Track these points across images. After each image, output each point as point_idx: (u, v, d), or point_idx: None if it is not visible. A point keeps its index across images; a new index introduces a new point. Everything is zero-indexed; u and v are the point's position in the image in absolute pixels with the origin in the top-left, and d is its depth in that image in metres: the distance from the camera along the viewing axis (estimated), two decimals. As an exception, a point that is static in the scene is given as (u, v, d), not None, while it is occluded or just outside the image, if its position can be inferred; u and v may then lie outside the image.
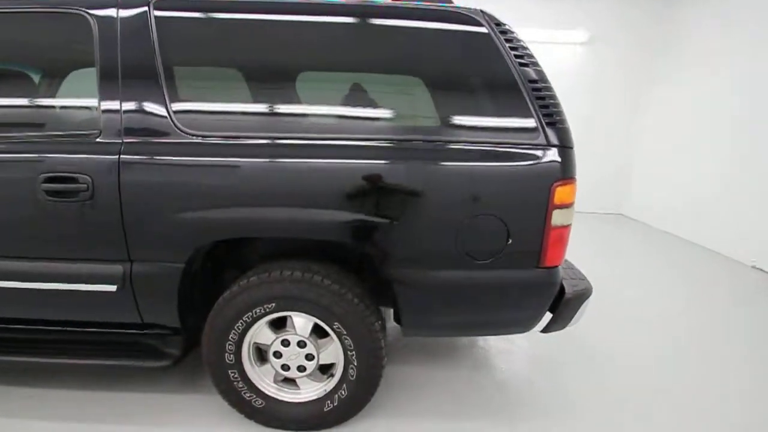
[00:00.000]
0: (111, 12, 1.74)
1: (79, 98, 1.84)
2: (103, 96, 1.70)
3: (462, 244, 1.70)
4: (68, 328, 2.00)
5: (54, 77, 1.96)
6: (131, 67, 1.70)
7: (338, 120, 1.79)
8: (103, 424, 2.00)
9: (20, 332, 2.01)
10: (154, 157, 1.68)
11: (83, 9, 1.74)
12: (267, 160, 1.68)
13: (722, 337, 3.10)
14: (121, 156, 1.67)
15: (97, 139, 1.70)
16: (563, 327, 1.94)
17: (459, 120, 1.72)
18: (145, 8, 1.75)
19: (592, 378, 2.50)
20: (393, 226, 1.68)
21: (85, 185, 1.66)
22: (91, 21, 1.73)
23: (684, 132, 6.01)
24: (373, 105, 1.80)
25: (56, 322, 2.00)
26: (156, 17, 1.73)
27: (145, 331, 1.98)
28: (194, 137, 1.69)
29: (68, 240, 1.74)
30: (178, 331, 1.96)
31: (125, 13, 1.74)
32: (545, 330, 1.95)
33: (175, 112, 1.69)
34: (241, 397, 1.93)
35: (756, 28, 4.94)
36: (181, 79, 1.73)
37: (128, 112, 1.69)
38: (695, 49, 5.87)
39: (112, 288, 1.77)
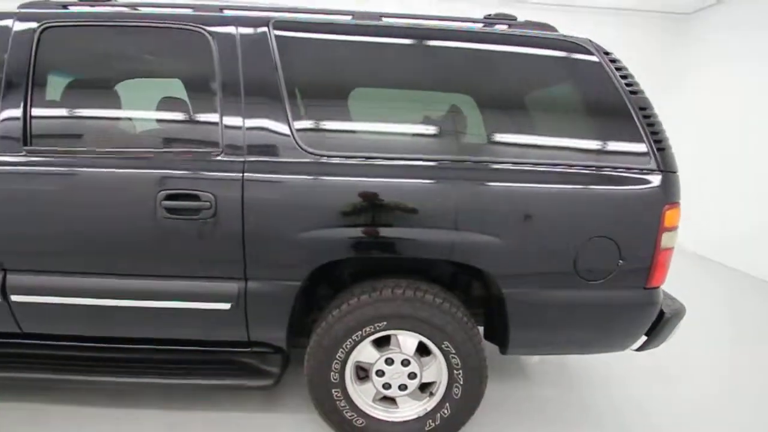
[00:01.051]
0: (230, 30, 1.76)
1: (199, 116, 1.84)
2: (225, 114, 1.71)
3: (575, 264, 1.75)
4: (157, 347, 1.98)
5: (171, 91, 1.95)
6: (254, 85, 1.72)
7: (461, 141, 1.83)
8: None
9: (112, 352, 1.98)
10: (277, 176, 1.69)
11: (202, 27, 1.75)
12: (388, 180, 1.70)
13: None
14: (245, 174, 1.67)
15: (218, 157, 1.70)
16: (657, 345, 1.99)
17: (576, 144, 1.78)
18: (265, 28, 1.77)
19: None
20: (514, 246, 1.72)
21: (208, 203, 1.66)
22: (210, 39, 1.74)
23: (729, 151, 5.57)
24: (492, 128, 1.84)
25: (146, 340, 1.97)
26: (276, 36, 1.76)
27: (239, 350, 1.96)
28: (316, 156, 1.70)
29: (186, 258, 1.72)
30: (277, 350, 1.95)
31: (245, 31, 1.76)
32: (641, 348, 2.00)
33: (297, 131, 1.71)
34: (343, 417, 1.91)
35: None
36: (302, 98, 1.74)
37: (251, 130, 1.70)
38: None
39: (226, 306, 1.75)
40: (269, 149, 1.70)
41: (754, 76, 5.26)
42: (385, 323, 1.80)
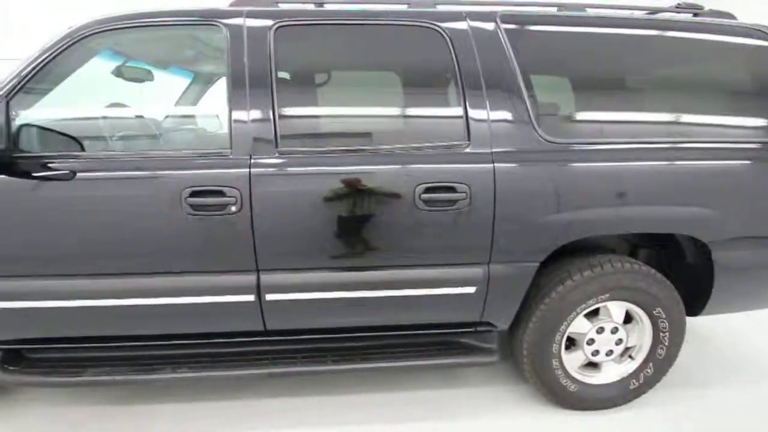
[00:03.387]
0: (463, 25, 1.82)
1: (443, 110, 1.89)
2: (471, 107, 1.77)
3: None
4: (377, 333, 2.06)
5: (411, 87, 1.98)
6: (492, 78, 1.79)
7: (681, 124, 1.97)
8: (429, 421, 2.10)
9: (332, 342, 2.04)
10: (523, 164, 1.78)
11: (436, 23, 1.80)
12: (625, 163, 1.83)
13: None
14: (495, 164, 1.76)
15: (467, 149, 1.77)
16: None
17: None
18: (494, 22, 1.83)
19: None
20: (733, 216, 1.89)
21: (464, 194, 1.74)
22: (445, 35, 1.80)
23: None
24: (700, 110, 2.00)
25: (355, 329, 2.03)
26: (506, 30, 1.83)
27: (458, 330, 2.07)
28: (555, 144, 1.81)
29: (438, 246, 1.80)
30: (492, 328, 2.06)
31: (476, 25, 1.82)
32: None
33: (536, 121, 1.80)
34: (560, 384, 2.07)
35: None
36: (538, 89, 1.83)
37: (496, 122, 1.78)
38: None
39: (471, 290, 1.85)
40: (513, 139, 1.79)
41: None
42: (607, 295, 1.96)
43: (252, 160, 1.70)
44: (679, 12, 2.06)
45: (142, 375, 1.91)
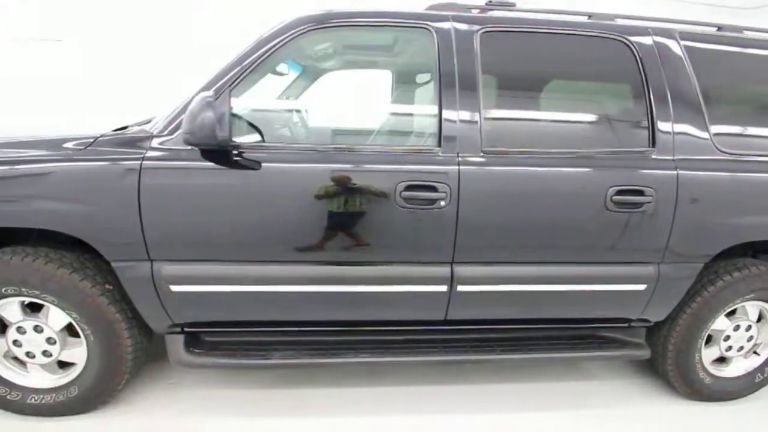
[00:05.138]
0: (647, 40, 1.94)
1: (629, 118, 2.01)
2: (657, 117, 1.90)
3: None
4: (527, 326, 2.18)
5: (600, 95, 2.09)
6: (676, 91, 1.93)
7: None
8: (564, 410, 2.22)
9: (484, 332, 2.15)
10: (701, 172, 1.92)
11: (624, 36, 1.92)
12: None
13: None
14: (678, 171, 1.89)
15: (653, 156, 1.90)
16: None
17: None
18: (674, 39, 1.97)
19: None
20: None
21: (650, 197, 1.87)
22: (633, 48, 1.92)
23: None
24: None
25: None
26: (685, 47, 1.96)
27: (603, 325, 2.21)
28: (730, 154, 1.95)
29: (620, 245, 1.92)
30: (646, 323, 2.19)
31: (659, 40, 1.95)
32: None
33: (713, 134, 1.95)
34: (697, 378, 2.24)
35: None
36: (716, 104, 1.97)
37: (678, 133, 1.92)
38: None
39: (642, 287, 1.99)
40: (693, 148, 1.93)
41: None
42: (752, 295, 2.13)
43: (459, 158, 1.79)
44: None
45: (326, 358, 1.98)
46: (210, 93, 1.54)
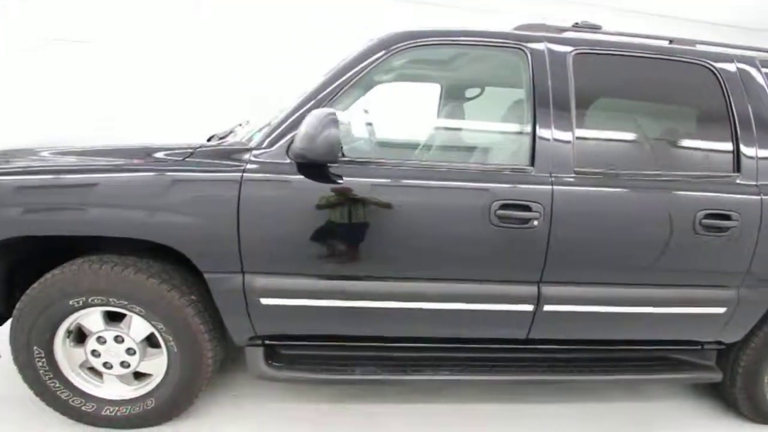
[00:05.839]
0: (731, 67, 1.97)
1: (712, 143, 2.03)
2: (742, 143, 1.93)
3: None
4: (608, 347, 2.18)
5: (686, 120, 2.11)
6: (759, 118, 1.95)
7: None
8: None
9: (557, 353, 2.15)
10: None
11: (710, 62, 1.95)
12: None
13: None
14: (762, 196, 1.91)
15: (738, 181, 1.92)
16: None
17: None
18: (755, 67, 2.00)
19: None
20: None
21: (737, 222, 1.88)
22: (717, 74, 1.95)
23: None
24: None
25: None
26: (766, 74, 2.00)
27: (672, 347, 2.21)
28: None
29: (704, 268, 1.94)
30: (719, 346, 2.20)
31: (744, 67, 1.98)
32: None
33: None
34: (764, 399, 2.24)
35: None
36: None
37: (762, 159, 1.94)
38: None
39: (721, 311, 2.00)
40: None
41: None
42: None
43: (552, 178, 1.80)
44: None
45: (405, 375, 1.96)
46: (332, 110, 1.54)
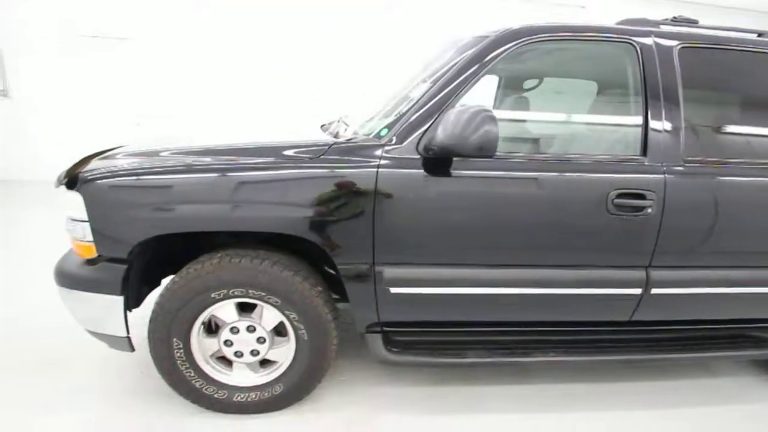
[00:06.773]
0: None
1: None
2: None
3: None
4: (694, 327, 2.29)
5: None
6: None
7: None
8: (704, 406, 2.34)
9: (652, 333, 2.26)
10: None
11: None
12: None
13: None
14: None
15: None
16: None
17: None
18: None
19: None
20: None
21: None
22: None
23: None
24: None
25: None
26: None
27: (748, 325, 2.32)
28: None
29: None
30: None
31: None
32: None
33: None
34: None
35: None
36: None
37: None
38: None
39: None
40: None
41: None
42: None
43: (665, 167, 1.89)
44: None
45: (516, 357, 2.07)
46: (488, 107, 1.61)
